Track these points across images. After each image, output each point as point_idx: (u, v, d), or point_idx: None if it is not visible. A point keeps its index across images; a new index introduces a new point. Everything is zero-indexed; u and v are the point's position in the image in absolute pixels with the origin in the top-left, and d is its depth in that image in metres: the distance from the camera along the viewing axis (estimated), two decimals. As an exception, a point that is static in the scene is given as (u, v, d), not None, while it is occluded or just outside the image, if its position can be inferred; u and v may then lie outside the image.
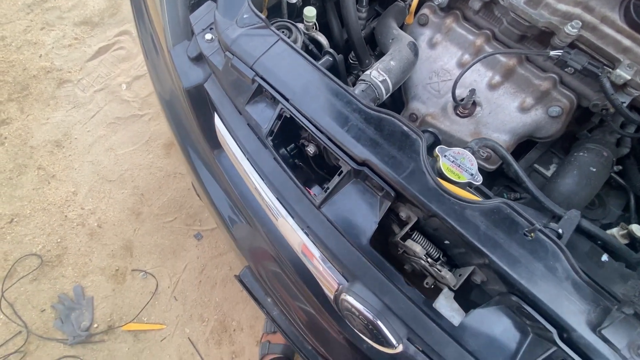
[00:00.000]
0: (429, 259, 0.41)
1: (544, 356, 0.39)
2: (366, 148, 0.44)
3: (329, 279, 0.50)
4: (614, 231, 0.58)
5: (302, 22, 0.60)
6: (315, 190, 0.53)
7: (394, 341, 0.45)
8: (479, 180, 0.47)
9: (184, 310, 1.35)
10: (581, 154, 0.68)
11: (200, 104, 0.58)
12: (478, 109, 0.73)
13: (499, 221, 0.41)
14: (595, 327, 0.37)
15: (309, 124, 0.46)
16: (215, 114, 0.57)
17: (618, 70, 0.54)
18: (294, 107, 0.47)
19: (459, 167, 0.48)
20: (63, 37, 1.80)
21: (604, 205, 0.74)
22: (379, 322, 0.44)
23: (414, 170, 0.43)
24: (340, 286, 0.49)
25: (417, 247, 0.41)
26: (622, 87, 0.56)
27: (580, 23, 0.55)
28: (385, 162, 0.43)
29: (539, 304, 0.38)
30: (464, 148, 0.50)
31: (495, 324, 0.42)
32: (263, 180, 0.52)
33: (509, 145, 0.72)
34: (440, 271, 0.40)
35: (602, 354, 0.36)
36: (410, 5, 0.69)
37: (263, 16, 0.50)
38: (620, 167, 0.69)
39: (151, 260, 1.41)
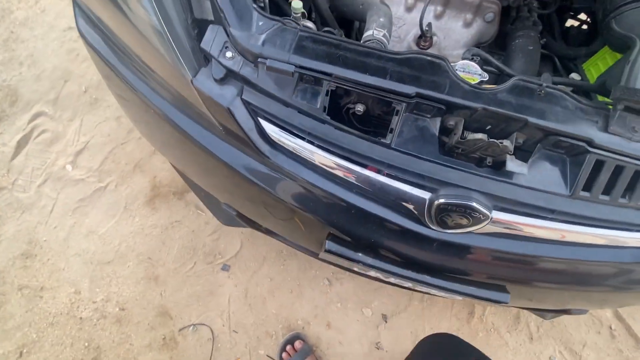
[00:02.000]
0: (491, 139, 0.55)
1: (585, 165, 0.55)
2: (412, 84, 0.55)
3: (415, 197, 0.62)
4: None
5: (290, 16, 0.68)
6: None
7: (488, 212, 0.58)
8: (485, 76, 0.62)
9: (248, 337, 1.36)
10: (517, 41, 0.88)
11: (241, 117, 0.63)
12: (435, 38, 0.89)
13: (520, 92, 0.56)
14: (606, 129, 0.54)
15: (360, 87, 0.56)
16: (261, 120, 0.63)
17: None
18: (340, 79, 0.56)
19: (469, 73, 0.62)
20: (-33, 147, 1.57)
21: (540, 73, 0.96)
22: (473, 204, 0.58)
23: (452, 84, 0.55)
24: (429, 198, 0.61)
25: (479, 135, 0.55)
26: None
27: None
28: (431, 88, 0.55)
29: (567, 133, 0.55)
30: (462, 59, 0.65)
31: (544, 164, 0.58)
32: (335, 151, 0.61)
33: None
34: (502, 142, 0.54)
35: (617, 143, 0.54)
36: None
37: (277, 17, 0.58)
38: (545, 39, 0.91)
39: (193, 312, 1.38)
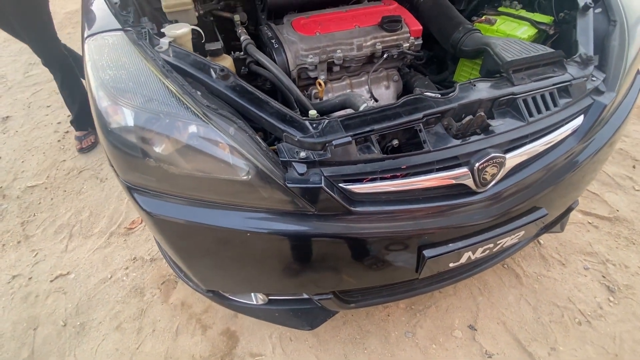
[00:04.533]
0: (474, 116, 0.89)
1: (521, 105, 0.94)
2: (416, 112, 0.88)
3: (461, 174, 0.89)
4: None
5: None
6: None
7: (504, 154, 0.89)
8: (439, 95, 1.00)
9: None
10: (416, 83, 1.36)
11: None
12: (377, 103, 1.31)
13: (465, 89, 0.94)
14: (514, 84, 0.96)
15: (392, 129, 0.85)
16: (340, 184, 0.84)
17: (403, 46, 1.24)
18: (379, 129, 0.85)
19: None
20: None
21: None
22: (493, 154, 0.88)
23: (435, 101, 0.90)
24: (468, 168, 0.89)
25: (466, 118, 0.88)
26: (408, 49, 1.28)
27: (380, 44, 1.21)
28: (427, 108, 0.88)
29: (501, 94, 0.94)
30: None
31: (504, 117, 0.95)
32: (399, 174, 0.85)
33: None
34: (479, 113, 0.88)
35: (524, 87, 0.95)
36: (318, 92, 1.19)
37: (321, 117, 0.85)
38: (428, 76, 1.43)
39: None
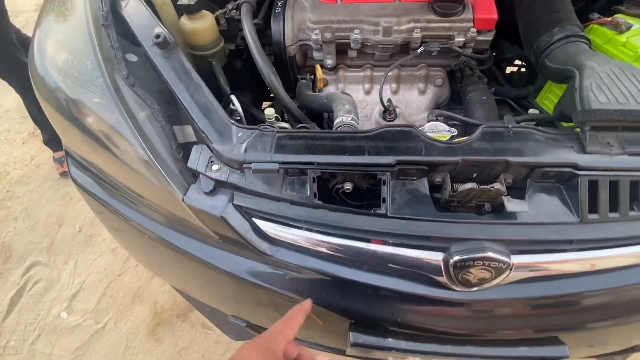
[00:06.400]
0: (482, 186, 0.56)
1: (580, 188, 0.56)
2: (389, 154, 0.58)
3: (429, 261, 0.59)
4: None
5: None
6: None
7: (507, 259, 0.56)
8: (454, 131, 0.66)
9: None
10: (470, 95, 0.96)
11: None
12: (398, 110, 0.98)
13: (491, 137, 0.59)
14: (584, 150, 0.56)
15: (342, 167, 0.59)
16: (255, 220, 0.63)
17: (455, 40, 0.85)
18: (322, 165, 0.59)
19: (438, 132, 0.67)
20: (-44, 319, 1.48)
21: (501, 116, 1.03)
22: (489, 253, 0.55)
23: (427, 145, 0.59)
24: (442, 258, 0.58)
25: (469, 184, 0.56)
26: (461, 47, 0.88)
27: (420, 30, 0.85)
28: (408, 153, 0.58)
29: (550, 163, 0.56)
30: (428, 122, 0.70)
31: (542, 196, 0.58)
32: (334, 233, 0.60)
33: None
34: (494, 186, 0.55)
35: (601, 160, 0.55)
36: (314, 78, 0.93)
37: (255, 126, 0.63)
38: (493, 88, 1.00)
39: None
